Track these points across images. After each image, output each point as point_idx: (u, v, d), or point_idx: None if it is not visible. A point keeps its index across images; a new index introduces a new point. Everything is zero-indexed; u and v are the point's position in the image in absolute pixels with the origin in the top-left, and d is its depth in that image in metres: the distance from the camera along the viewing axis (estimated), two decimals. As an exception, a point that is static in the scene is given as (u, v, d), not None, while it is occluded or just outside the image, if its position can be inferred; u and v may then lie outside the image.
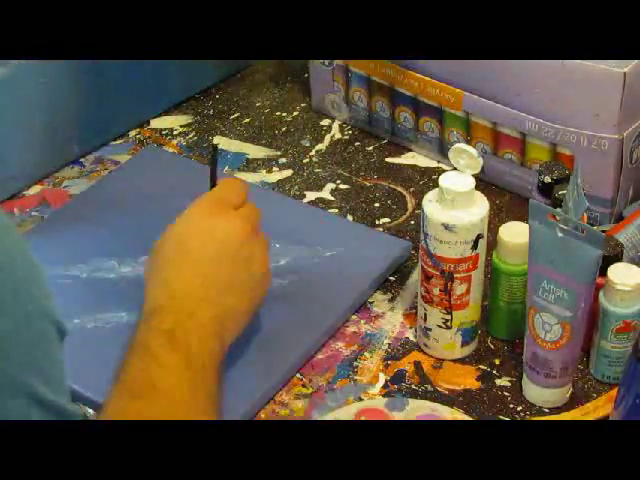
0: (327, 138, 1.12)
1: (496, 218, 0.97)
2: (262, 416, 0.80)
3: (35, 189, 1.05)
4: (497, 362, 0.85)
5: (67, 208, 1.02)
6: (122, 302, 0.88)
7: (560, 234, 0.73)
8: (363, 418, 0.78)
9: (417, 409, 0.79)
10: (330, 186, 1.05)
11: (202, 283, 0.76)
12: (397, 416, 0.79)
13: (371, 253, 0.93)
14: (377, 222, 1.00)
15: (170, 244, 0.78)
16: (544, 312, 0.76)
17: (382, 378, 0.83)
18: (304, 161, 1.09)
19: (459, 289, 0.81)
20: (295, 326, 0.86)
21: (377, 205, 1.02)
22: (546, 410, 0.80)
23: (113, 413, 0.65)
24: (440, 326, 0.83)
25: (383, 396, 0.81)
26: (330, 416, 0.79)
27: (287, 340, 0.85)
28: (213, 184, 0.84)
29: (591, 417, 0.79)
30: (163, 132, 1.14)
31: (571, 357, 0.78)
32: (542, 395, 0.80)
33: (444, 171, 0.80)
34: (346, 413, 0.79)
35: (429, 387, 0.82)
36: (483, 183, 0.98)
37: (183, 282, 0.76)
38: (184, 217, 0.80)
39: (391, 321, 0.89)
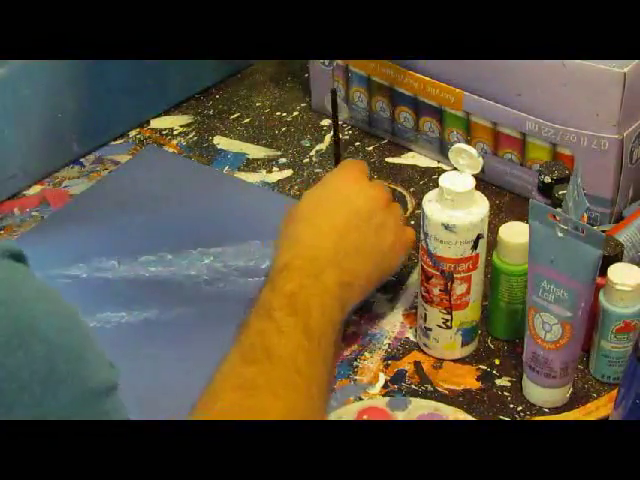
0: (327, 138, 1.12)
1: (496, 218, 0.97)
2: (262, 416, 0.80)
3: (35, 189, 1.05)
4: (497, 362, 0.85)
5: (67, 208, 1.02)
6: (122, 302, 0.88)
7: (560, 234, 0.73)
8: (365, 417, 0.78)
9: (419, 408, 0.79)
10: (330, 186, 1.05)
11: (333, 245, 0.77)
12: (399, 415, 0.79)
13: None
14: (377, 222, 1.00)
15: (307, 204, 0.81)
16: (544, 312, 0.76)
17: (382, 378, 0.83)
18: (304, 161, 1.09)
19: (459, 289, 0.81)
20: None
21: (377, 205, 1.02)
22: (546, 410, 0.80)
23: (227, 375, 0.66)
24: (440, 326, 0.83)
25: (384, 395, 0.81)
26: (333, 415, 0.79)
27: None
28: (337, 138, 0.88)
29: (593, 417, 0.79)
30: (163, 132, 1.14)
31: (571, 357, 0.78)
32: (542, 395, 0.80)
33: (444, 171, 0.80)
34: (348, 412, 0.79)
35: (429, 387, 0.82)
36: (483, 183, 0.98)
37: (314, 242, 0.77)
38: (324, 181, 0.82)
39: (391, 321, 0.89)
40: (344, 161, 0.88)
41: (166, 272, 0.91)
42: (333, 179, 0.83)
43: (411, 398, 0.80)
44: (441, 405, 0.79)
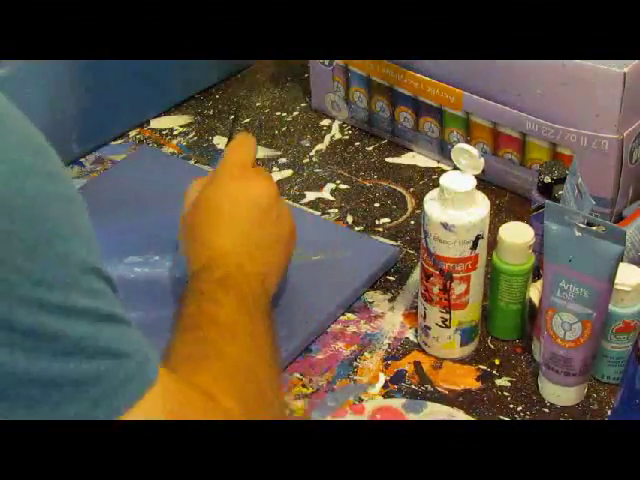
0: (327, 138, 1.12)
1: (496, 218, 0.97)
2: (262, 416, 0.80)
3: (35, 189, 1.05)
4: (497, 362, 0.85)
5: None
6: None
7: (578, 233, 0.73)
8: (378, 417, 0.78)
9: (434, 413, 0.79)
10: (330, 186, 1.05)
11: (243, 242, 0.79)
12: (413, 418, 0.78)
13: (358, 257, 0.92)
14: (377, 222, 1.00)
15: (204, 210, 0.81)
16: (563, 312, 0.76)
17: (382, 378, 0.83)
18: (304, 161, 1.09)
19: (458, 289, 0.81)
20: (276, 329, 0.86)
21: (377, 205, 1.02)
22: (546, 410, 0.80)
23: (176, 348, 0.67)
24: (439, 325, 0.83)
25: (383, 395, 0.81)
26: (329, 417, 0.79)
27: None
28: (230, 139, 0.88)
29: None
30: (163, 132, 1.14)
31: (591, 354, 0.78)
32: (563, 394, 0.80)
33: (444, 171, 0.80)
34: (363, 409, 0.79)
35: (429, 387, 0.82)
36: (483, 183, 0.98)
37: (225, 241, 0.78)
38: (213, 183, 0.83)
39: (391, 321, 0.89)
40: (227, 152, 0.86)
41: (152, 274, 0.91)
42: (221, 178, 0.83)
43: (428, 402, 0.80)
44: (456, 411, 0.79)
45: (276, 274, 0.81)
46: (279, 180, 1.06)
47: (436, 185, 0.79)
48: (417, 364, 0.85)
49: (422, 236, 0.80)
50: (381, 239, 0.97)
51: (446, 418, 0.78)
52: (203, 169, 1.07)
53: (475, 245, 0.78)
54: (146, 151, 1.09)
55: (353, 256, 0.93)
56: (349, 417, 0.79)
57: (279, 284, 0.83)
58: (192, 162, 1.09)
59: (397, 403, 0.80)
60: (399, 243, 0.97)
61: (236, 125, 0.88)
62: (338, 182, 1.05)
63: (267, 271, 0.79)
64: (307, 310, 0.87)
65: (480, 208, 0.78)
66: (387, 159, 1.09)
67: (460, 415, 0.79)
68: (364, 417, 0.78)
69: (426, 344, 0.85)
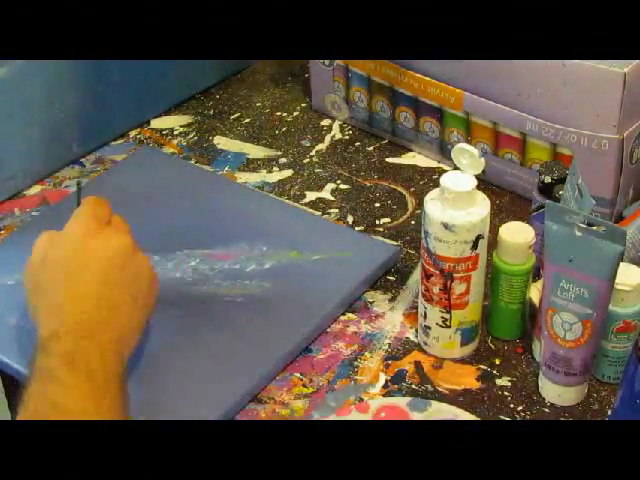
0: (327, 138, 1.12)
1: (496, 218, 0.97)
2: (262, 416, 0.80)
3: (35, 189, 1.05)
4: (497, 362, 0.85)
5: (54, 209, 1.00)
6: None
7: (579, 233, 0.73)
8: (383, 414, 0.78)
9: (439, 412, 0.79)
10: (330, 186, 1.05)
11: (95, 304, 0.74)
12: (417, 417, 0.78)
13: (358, 257, 0.92)
14: (377, 222, 1.00)
15: (53, 269, 0.76)
16: (564, 311, 0.76)
17: (382, 378, 0.83)
18: (304, 161, 1.09)
19: (458, 289, 0.81)
20: (276, 329, 0.86)
21: (377, 205, 1.02)
22: (546, 410, 0.80)
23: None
24: (439, 325, 0.83)
25: (384, 395, 0.81)
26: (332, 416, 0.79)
27: (267, 342, 0.85)
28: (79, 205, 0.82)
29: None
30: (163, 132, 1.14)
31: (591, 354, 0.78)
32: (563, 393, 0.80)
33: (444, 171, 0.80)
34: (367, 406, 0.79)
35: (429, 387, 0.82)
36: (483, 183, 0.98)
37: (76, 305, 0.74)
38: (61, 241, 0.78)
39: (391, 321, 0.89)
40: (79, 210, 0.80)
41: None
42: (74, 237, 0.77)
43: (432, 401, 0.80)
44: (461, 411, 0.79)
45: (134, 335, 0.77)
46: (279, 180, 1.06)
47: (436, 185, 0.79)
48: (417, 364, 0.85)
49: (422, 236, 0.80)
50: (382, 239, 0.97)
51: (451, 417, 0.78)
52: (203, 169, 1.07)
53: (475, 245, 0.78)
54: (146, 151, 1.09)
55: (353, 256, 0.93)
56: (353, 415, 0.79)
57: (139, 338, 0.78)
58: (192, 162, 1.09)
59: (402, 401, 0.80)
60: (399, 243, 0.97)
61: (80, 193, 0.84)
62: (338, 182, 1.05)
63: (123, 334, 0.75)
64: (307, 310, 0.87)
65: (480, 208, 0.78)
66: (387, 159, 1.09)
67: (465, 414, 0.79)
68: (368, 415, 0.78)
69: (426, 344, 0.85)
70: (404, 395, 0.81)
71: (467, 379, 0.83)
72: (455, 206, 0.77)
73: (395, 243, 0.97)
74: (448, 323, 0.83)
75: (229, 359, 0.83)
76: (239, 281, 0.90)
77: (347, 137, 1.12)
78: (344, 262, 0.92)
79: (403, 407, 0.79)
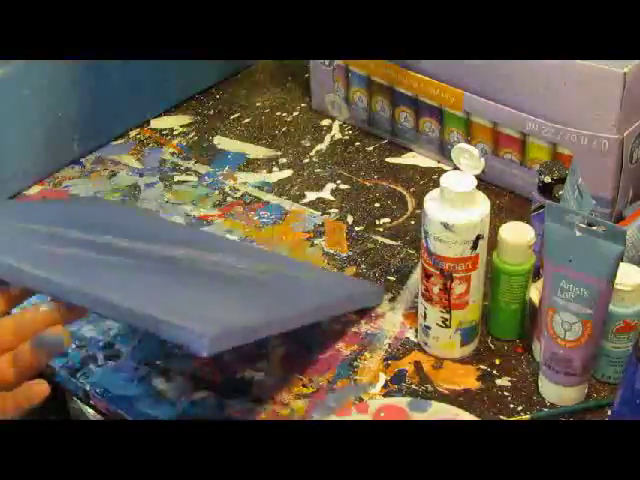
0: (327, 138, 1.12)
1: (496, 218, 0.97)
2: (262, 416, 0.80)
3: (35, 189, 1.05)
4: (497, 362, 0.85)
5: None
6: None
7: (579, 233, 0.73)
8: (382, 414, 0.78)
9: (439, 412, 0.79)
10: (330, 186, 1.05)
11: None
12: (418, 417, 0.78)
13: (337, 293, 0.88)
14: (377, 222, 1.00)
15: None
16: (564, 311, 0.76)
17: (382, 378, 0.83)
18: (304, 161, 1.09)
19: (458, 289, 0.81)
20: (298, 291, 0.83)
21: (377, 205, 1.02)
22: (545, 410, 0.80)
23: None
24: (439, 325, 0.83)
25: (384, 395, 0.82)
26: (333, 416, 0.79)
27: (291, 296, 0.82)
28: None
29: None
30: (163, 132, 1.14)
31: (591, 353, 0.78)
32: (563, 393, 0.80)
33: (444, 171, 0.80)
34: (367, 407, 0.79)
35: (429, 387, 0.82)
36: (483, 183, 0.98)
37: None
38: None
39: (391, 321, 0.89)
40: None
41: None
42: None
43: (433, 402, 0.79)
44: (462, 411, 0.79)
45: None
46: (279, 180, 1.06)
47: (436, 185, 0.79)
48: (417, 364, 0.85)
49: (422, 236, 0.80)
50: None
51: (451, 417, 0.78)
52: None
53: (475, 245, 0.78)
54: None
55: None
56: (354, 415, 0.79)
57: None
58: (193, 162, 1.09)
59: (402, 402, 0.79)
60: (399, 243, 0.97)
61: None
62: (338, 182, 1.05)
63: None
64: (306, 309, 0.87)
65: (480, 208, 0.78)
66: (387, 159, 1.09)
67: (465, 414, 0.79)
68: (368, 415, 0.78)
69: (426, 344, 0.85)
70: (404, 395, 0.81)
71: (467, 379, 0.83)
72: (455, 206, 0.77)
73: (395, 243, 0.97)
74: (448, 323, 0.83)
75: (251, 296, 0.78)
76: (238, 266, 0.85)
77: (347, 137, 1.12)
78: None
79: (403, 407, 0.79)
